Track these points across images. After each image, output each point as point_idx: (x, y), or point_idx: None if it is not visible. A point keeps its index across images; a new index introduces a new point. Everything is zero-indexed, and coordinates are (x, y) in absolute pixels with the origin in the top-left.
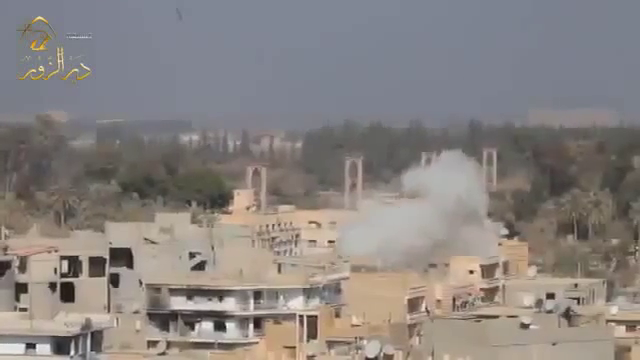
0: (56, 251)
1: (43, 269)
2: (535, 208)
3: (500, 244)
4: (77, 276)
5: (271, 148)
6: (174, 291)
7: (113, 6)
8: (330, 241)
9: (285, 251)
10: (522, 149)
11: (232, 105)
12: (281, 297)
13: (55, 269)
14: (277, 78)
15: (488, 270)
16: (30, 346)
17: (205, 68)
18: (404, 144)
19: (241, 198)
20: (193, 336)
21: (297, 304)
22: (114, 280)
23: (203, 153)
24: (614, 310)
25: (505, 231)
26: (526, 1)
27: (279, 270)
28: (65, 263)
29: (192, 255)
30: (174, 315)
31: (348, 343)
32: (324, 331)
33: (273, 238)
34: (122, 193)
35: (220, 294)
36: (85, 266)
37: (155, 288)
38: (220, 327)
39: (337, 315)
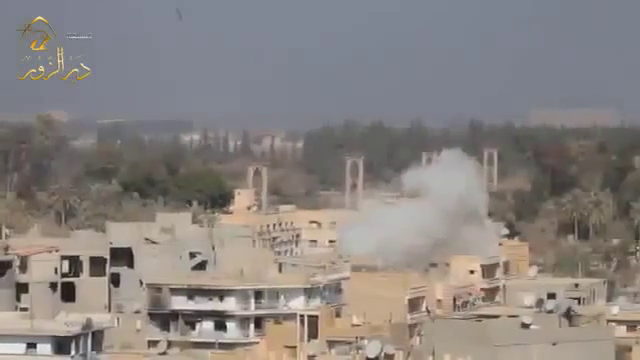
0: (57, 251)
1: (44, 269)
2: (536, 208)
3: (501, 244)
4: (78, 276)
5: (272, 148)
6: (175, 291)
7: (113, 6)
8: (331, 241)
9: (286, 251)
10: (523, 149)
11: (233, 105)
12: (282, 297)
13: (56, 269)
14: (277, 78)
15: (489, 270)
16: (31, 346)
17: (205, 68)
18: (405, 144)
19: (242, 198)
20: (194, 336)
21: (298, 304)
22: (115, 280)
23: (204, 153)
24: (615, 310)
25: (506, 231)
26: (526, 1)
27: (280, 270)
28: (66, 263)
29: (193, 255)
30: (175, 315)
31: (349, 343)
32: (325, 331)
33: (274, 238)
34: (123, 193)
35: (221, 294)
36: (86, 266)
37: (156, 288)
38: (221, 327)
39: (338, 315)
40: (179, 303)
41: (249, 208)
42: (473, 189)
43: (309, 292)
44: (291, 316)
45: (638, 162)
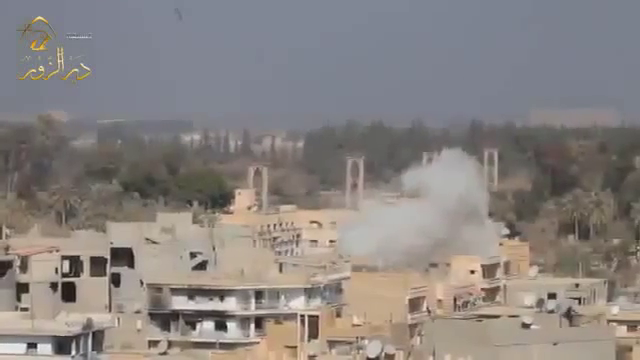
0: (57, 251)
1: (44, 269)
2: (536, 208)
3: (501, 244)
4: (78, 276)
5: (272, 148)
6: (175, 291)
7: (113, 6)
8: (331, 241)
9: (286, 251)
10: (523, 149)
11: (233, 105)
12: (282, 297)
13: (56, 269)
14: (278, 78)
15: (489, 270)
16: (31, 346)
17: (206, 68)
18: (405, 144)
19: (242, 198)
20: (194, 336)
21: (298, 304)
22: (115, 280)
23: (204, 153)
24: (615, 310)
25: (506, 231)
26: (526, 1)
27: (280, 270)
28: (66, 263)
29: (193, 255)
30: (175, 315)
31: (349, 343)
32: (325, 331)
33: (274, 238)
34: (123, 193)
35: (221, 294)
36: (86, 266)
37: (156, 288)
38: (221, 327)
39: (338, 315)
40: (180, 303)
41: (249, 208)
42: (473, 188)
43: (309, 292)
44: (292, 316)
45: (638, 162)
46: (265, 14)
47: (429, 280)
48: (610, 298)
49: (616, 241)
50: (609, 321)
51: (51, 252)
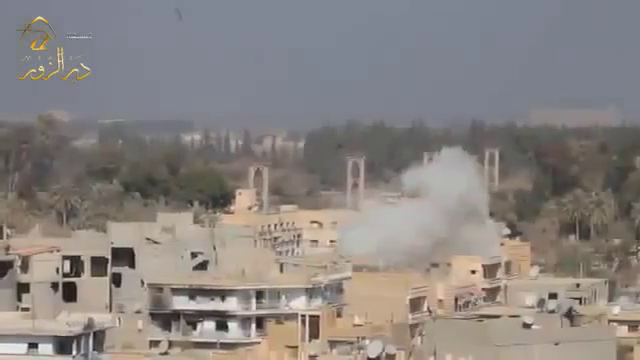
0: (58, 251)
1: (45, 269)
2: (537, 208)
3: (502, 244)
4: (79, 276)
5: (273, 148)
6: (176, 291)
7: (113, 6)
8: (332, 241)
9: (287, 251)
10: (524, 149)
11: (234, 105)
12: (283, 297)
13: (57, 269)
14: (278, 78)
15: (490, 270)
16: (32, 346)
17: (206, 68)
18: (406, 144)
19: (243, 198)
20: (195, 336)
21: (299, 304)
22: (116, 280)
23: (205, 153)
24: (616, 310)
25: (507, 231)
26: (526, 1)
27: (281, 270)
28: (67, 263)
29: (194, 255)
30: (176, 315)
31: (350, 343)
32: (326, 331)
33: (275, 238)
34: (124, 193)
35: (222, 294)
36: (87, 266)
37: (157, 288)
38: (222, 327)
39: (339, 315)
40: (180, 303)
41: (250, 208)
42: (474, 188)
43: (310, 292)
44: (292, 316)
45: (639, 162)
46: (265, 14)
47: (430, 280)
48: (611, 298)
49: (617, 241)
50: (610, 321)
51: (52, 252)
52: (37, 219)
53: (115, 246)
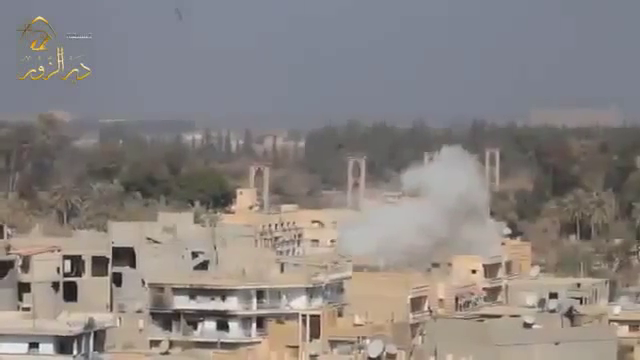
0: (59, 250)
1: (46, 268)
2: (538, 208)
3: (503, 244)
4: (80, 275)
5: (274, 148)
6: (177, 290)
7: (113, 6)
8: (332, 241)
9: (288, 251)
10: (525, 149)
11: (235, 105)
12: (284, 296)
13: (58, 268)
14: (279, 78)
15: (491, 270)
16: (33, 345)
17: (207, 68)
18: (407, 144)
19: (244, 198)
20: (196, 335)
21: (300, 303)
22: (117, 279)
23: (206, 153)
24: (617, 310)
25: (508, 231)
26: (526, 1)
27: (282, 269)
28: (68, 262)
29: (195, 254)
30: (177, 314)
31: (351, 343)
32: (327, 331)
33: (276, 238)
34: (125, 192)
35: (223, 293)
36: (88, 265)
37: (158, 287)
38: (223, 326)
39: (340, 314)
40: (181, 303)
41: (251, 208)
42: (474, 187)
43: (311, 292)
44: (293, 316)
45: None
46: (266, 14)
47: (431, 280)
48: (611, 298)
49: (617, 241)
50: (610, 321)
51: (53, 252)
52: (38, 219)
53: (116, 246)
